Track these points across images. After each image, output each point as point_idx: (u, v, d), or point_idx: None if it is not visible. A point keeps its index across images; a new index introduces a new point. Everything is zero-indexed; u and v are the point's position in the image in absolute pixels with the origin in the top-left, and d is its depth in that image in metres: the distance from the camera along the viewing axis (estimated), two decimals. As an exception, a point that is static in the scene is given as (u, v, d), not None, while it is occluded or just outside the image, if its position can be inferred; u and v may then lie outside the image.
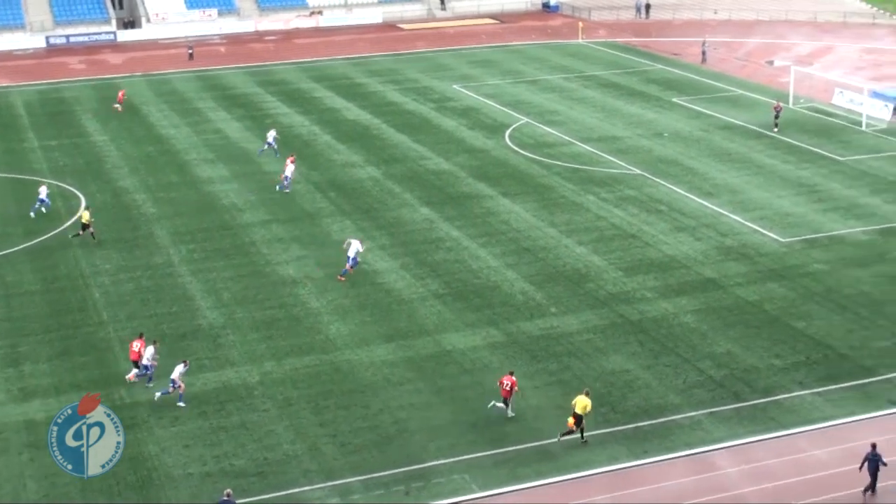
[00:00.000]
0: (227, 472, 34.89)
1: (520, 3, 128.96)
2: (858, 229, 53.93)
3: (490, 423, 37.02)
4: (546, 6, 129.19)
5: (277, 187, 61.24)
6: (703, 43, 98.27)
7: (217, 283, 48.92)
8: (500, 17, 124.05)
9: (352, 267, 48.63)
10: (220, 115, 79.62)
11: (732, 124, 74.29)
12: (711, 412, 37.54)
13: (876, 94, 77.63)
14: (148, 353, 39.60)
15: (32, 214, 57.22)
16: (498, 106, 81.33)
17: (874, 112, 74.50)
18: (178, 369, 38.62)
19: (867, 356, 40.96)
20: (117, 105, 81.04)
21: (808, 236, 53.14)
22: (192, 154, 69.68)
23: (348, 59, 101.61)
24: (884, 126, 72.77)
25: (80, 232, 53.83)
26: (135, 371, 39.91)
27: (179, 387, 38.30)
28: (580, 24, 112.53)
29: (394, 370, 40.91)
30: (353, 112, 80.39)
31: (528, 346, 42.50)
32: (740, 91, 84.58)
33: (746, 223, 55.03)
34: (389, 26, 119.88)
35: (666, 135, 71.93)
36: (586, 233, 54.15)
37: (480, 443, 36.16)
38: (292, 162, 62.39)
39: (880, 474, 32.93)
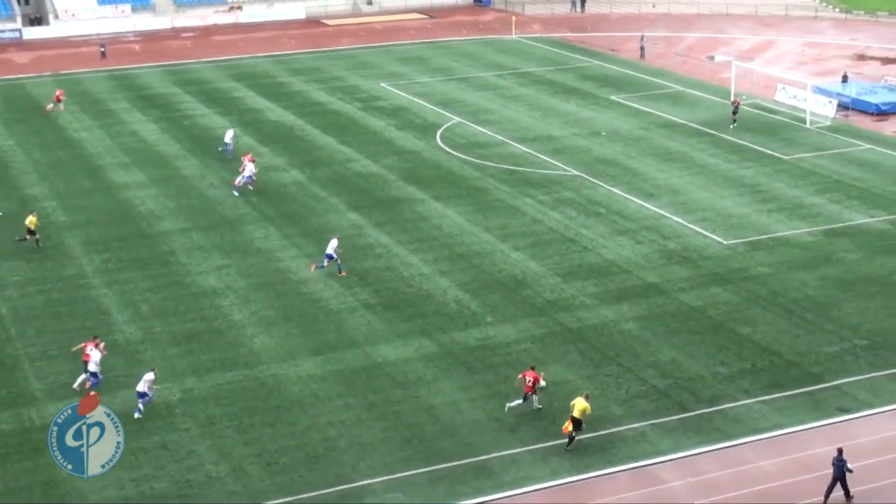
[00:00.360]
0: (146, 496, 34.47)
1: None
2: (803, 230, 54.72)
3: (424, 439, 36.97)
4: (477, 0, 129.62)
5: (235, 192, 60.89)
6: (642, 38, 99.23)
7: (134, 295, 48.37)
8: (430, 12, 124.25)
9: (325, 264, 49.62)
10: (135, 117, 78.80)
11: (673, 122, 75.06)
12: (655, 423, 37.82)
13: (819, 90, 78.87)
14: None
15: None
16: (428, 105, 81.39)
17: (818, 109, 75.65)
18: (148, 378, 38.26)
19: (814, 362, 41.55)
20: (53, 105, 79.75)
21: (751, 238, 53.81)
22: (106, 158, 68.87)
23: (270, 56, 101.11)
24: (828, 123, 73.94)
25: (27, 237, 53.17)
26: (83, 376, 39.69)
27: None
28: (513, 18, 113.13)
29: (322, 385, 40.72)
30: (275, 112, 79.98)
31: (463, 357, 42.52)
32: (680, 87, 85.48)
33: (689, 225, 55.60)
34: (313, 22, 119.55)
35: (604, 134, 72.48)
36: (522, 237, 54.35)
37: (415, 460, 36.09)
38: (251, 161, 62.33)
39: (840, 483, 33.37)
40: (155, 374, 39.16)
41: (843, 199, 59.10)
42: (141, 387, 38.50)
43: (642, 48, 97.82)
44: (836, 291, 47.57)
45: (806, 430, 37.41)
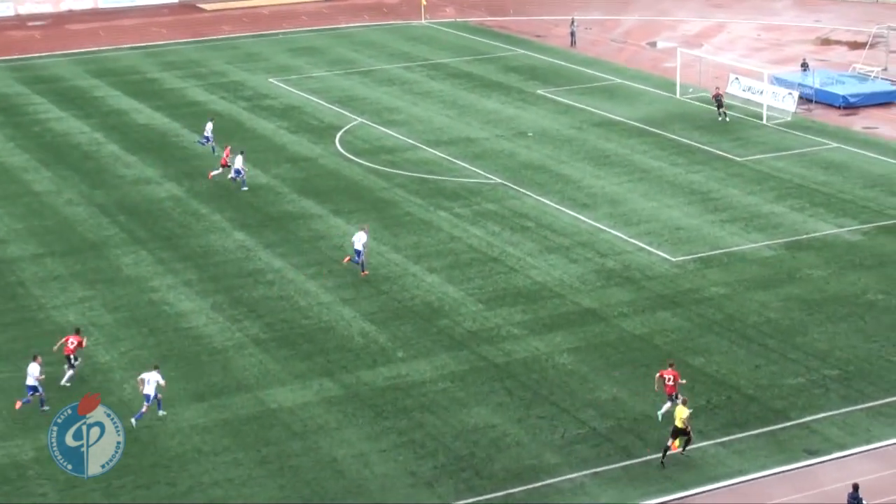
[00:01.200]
0: (-5, 577, 34.01)
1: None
2: (762, 243, 55.60)
3: (327, 499, 36.92)
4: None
5: (245, 187, 63.47)
6: (572, 22, 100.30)
7: (-24, 335, 47.79)
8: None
9: (359, 262, 52.22)
10: (-26, 123, 77.94)
11: (610, 120, 75.91)
12: (596, 472, 38.13)
13: (778, 81, 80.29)
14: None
15: None
16: (325, 104, 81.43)
17: (776, 102, 77.00)
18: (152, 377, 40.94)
19: (777, 396, 42.22)
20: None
21: (703, 254, 54.56)
22: (-60, 172, 68.03)
23: (137, 48, 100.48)
24: (788, 119, 75.29)
25: None
26: (68, 370, 43.40)
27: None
28: (423, 1, 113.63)
29: (206, 437, 40.49)
30: (145, 115, 79.47)
31: (371, 399, 42.54)
32: (618, 80, 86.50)
33: (630, 240, 56.22)
34: (188, 7, 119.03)
35: (531, 134, 73.09)
36: (438, 257, 54.57)
37: (316, 523, 36.05)
38: (240, 153, 64.75)
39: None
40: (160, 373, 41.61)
41: (807, 206, 60.19)
42: (149, 388, 40.94)
43: (573, 34, 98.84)
44: (802, 314, 48.40)
45: (769, 475, 37.88)
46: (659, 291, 50.64)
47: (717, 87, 76.70)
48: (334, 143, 72.38)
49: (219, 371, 44.73)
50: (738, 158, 67.76)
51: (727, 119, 74.24)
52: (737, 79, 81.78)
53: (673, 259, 53.97)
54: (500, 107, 79.84)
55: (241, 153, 64.79)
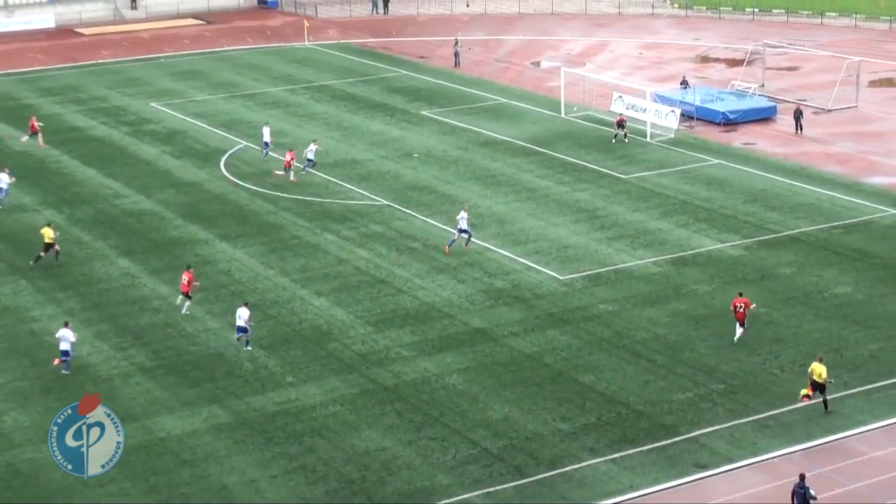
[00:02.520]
0: None
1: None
2: (649, 260, 56.20)
3: (218, 527, 36.57)
4: (262, 2, 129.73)
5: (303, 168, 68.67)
6: (455, 42, 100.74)
7: None
8: (207, 17, 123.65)
9: (456, 237, 56.64)
10: None
11: (495, 140, 76.30)
12: (489, 492, 38.16)
13: (660, 98, 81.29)
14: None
15: None
16: (209, 127, 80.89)
17: (659, 119, 77.95)
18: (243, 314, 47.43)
19: (666, 412, 42.64)
20: (28, 138, 76.12)
21: (590, 271, 55.00)
22: None
23: (12, 74, 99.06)
24: (671, 136, 76.26)
25: (42, 254, 56.23)
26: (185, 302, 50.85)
27: None
28: (305, 22, 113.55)
29: (92, 468, 39.82)
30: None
31: (260, 425, 42.22)
32: (503, 99, 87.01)
33: (518, 259, 56.50)
34: (65, 31, 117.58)
35: (416, 155, 73.23)
36: (326, 280, 54.40)
37: (207, 553, 35.68)
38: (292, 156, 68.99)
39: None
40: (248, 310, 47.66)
41: (691, 222, 60.99)
42: (240, 322, 47.29)
43: (457, 54, 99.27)
44: (688, 329, 48.98)
45: (661, 490, 38.26)
46: (548, 310, 50.92)
47: (621, 114, 77.39)
48: (219, 167, 71.88)
49: (104, 401, 43.95)
50: (623, 176, 68.46)
51: (626, 140, 74.85)
52: (620, 97, 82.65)
53: (561, 277, 54.33)
54: (385, 128, 79.90)
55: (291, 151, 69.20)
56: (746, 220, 61.16)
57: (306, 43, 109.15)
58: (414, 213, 62.87)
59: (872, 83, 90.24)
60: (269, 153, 72.56)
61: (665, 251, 57.19)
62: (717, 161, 71.25)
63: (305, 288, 53.65)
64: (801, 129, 77.26)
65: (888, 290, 52.30)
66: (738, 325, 47.43)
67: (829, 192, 65.24)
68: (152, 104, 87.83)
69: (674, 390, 44.04)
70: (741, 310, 47.09)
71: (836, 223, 60.33)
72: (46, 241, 56.28)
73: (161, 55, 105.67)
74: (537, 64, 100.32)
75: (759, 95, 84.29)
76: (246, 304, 48.20)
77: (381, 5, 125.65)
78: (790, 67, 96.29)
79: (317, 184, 68.15)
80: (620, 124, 75.39)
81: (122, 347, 48.10)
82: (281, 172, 68.70)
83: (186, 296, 50.97)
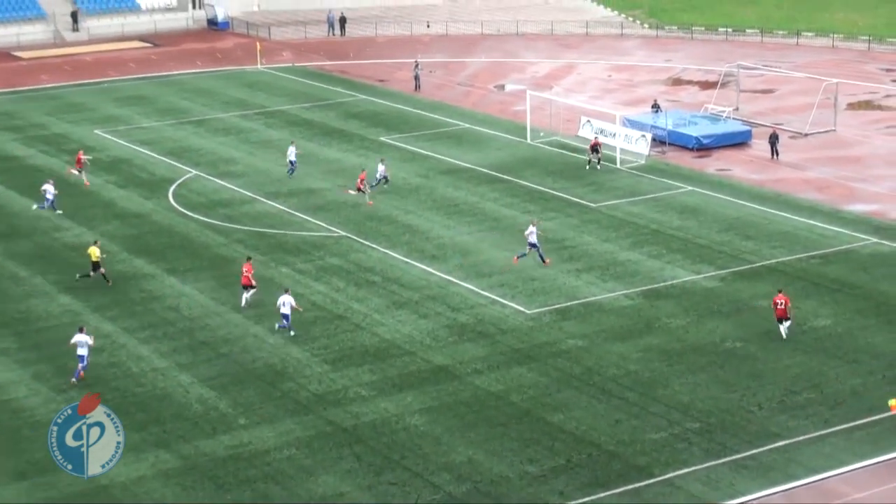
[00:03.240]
0: None
1: (178, 20, 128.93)
2: (620, 293, 56.24)
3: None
4: (213, 23, 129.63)
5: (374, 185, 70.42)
6: (416, 65, 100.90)
7: None
8: (153, 39, 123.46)
9: (528, 252, 59.35)
10: None
11: (458, 167, 76.36)
12: (453, 539, 38.04)
13: (630, 123, 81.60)
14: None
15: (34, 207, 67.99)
16: (157, 155, 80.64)
17: (629, 145, 78.20)
18: (288, 300, 51.59)
19: (639, 452, 42.58)
20: (76, 170, 74.99)
21: (559, 305, 54.99)
22: None
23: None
24: (641, 162, 76.50)
25: (91, 273, 57.55)
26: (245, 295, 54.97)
27: None
28: (258, 45, 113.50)
29: (31, 518, 39.55)
30: (-42, 171, 77.91)
31: (211, 471, 41.93)
32: (465, 124, 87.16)
33: (483, 292, 56.46)
34: (1, 54, 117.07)
35: (374, 184, 73.15)
36: (280, 317, 54.17)
37: None
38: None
39: None
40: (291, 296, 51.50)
41: (664, 252, 61.13)
42: (285, 309, 51.37)
43: (417, 78, 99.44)
44: (662, 365, 48.98)
45: (634, 535, 38.25)
46: (514, 346, 50.86)
47: (596, 137, 77.54)
48: (167, 197, 71.62)
49: (42, 446, 43.57)
50: (592, 204, 68.58)
51: (598, 167, 75.00)
52: (588, 121, 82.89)
53: (528, 311, 54.29)
54: (342, 155, 79.86)
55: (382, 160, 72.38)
56: (721, 249, 61.34)
57: (259, 66, 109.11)
58: (373, 245, 62.77)
59: (851, 106, 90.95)
60: (295, 172, 74.48)
61: (637, 283, 57.26)
62: (690, 188, 71.51)
63: (259, 325, 53.41)
64: (778, 154, 77.67)
65: (869, 323, 52.52)
66: (780, 322, 50.52)
67: (807, 220, 65.55)
68: (96, 131, 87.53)
69: (647, 430, 43.99)
70: (781, 306, 50.08)
71: (814, 252, 60.59)
72: (93, 259, 57.78)
73: (105, 80, 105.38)
74: (501, 87, 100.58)
75: (734, 119, 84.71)
76: (287, 291, 52.20)
77: (337, 27, 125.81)
78: (765, 90, 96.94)
79: (271, 214, 67.98)
80: (595, 149, 75.50)
81: (61, 389, 47.69)
82: (353, 192, 69.58)
83: (246, 287, 54.85)
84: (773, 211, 67.20)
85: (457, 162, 77.41)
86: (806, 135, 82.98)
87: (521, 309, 54.56)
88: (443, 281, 57.87)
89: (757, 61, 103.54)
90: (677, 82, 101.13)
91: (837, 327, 52.07)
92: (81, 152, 76.66)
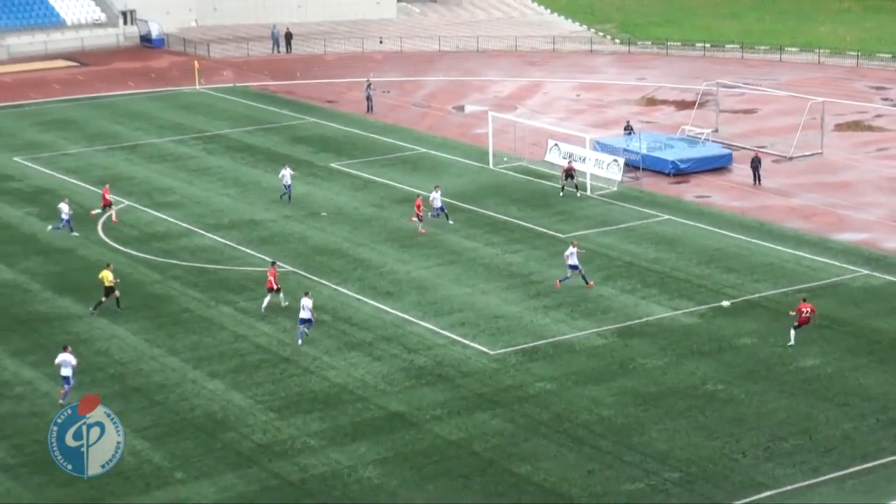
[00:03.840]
0: None
1: (108, 36, 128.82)
2: (591, 331, 56.28)
3: None
4: (146, 40, 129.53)
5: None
6: (368, 85, 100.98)
7: None
8: (81, 58, 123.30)
9: (570, 275, 60.75)
10: None
11: (414, 195, 76.20)
12: None
13: (601, 146, 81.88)
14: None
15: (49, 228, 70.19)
16: (84, 185, 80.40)
17: (600, 170, 78.40)
18: (307, 303, 54.99)
19: (614, 505, 42.63)
20: (100, 211, 73.32)
21: (525, 345, 54.98)
22: None
23: None
24: (614, 189, 76.72)
25: (103, 299, 58.85)
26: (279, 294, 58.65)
27: None
28: (196, 63, 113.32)
29: (-54, 585, 39.19)
30: None
31: (145, 531, 41.72)
32: (422, 149, 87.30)
33: (442, 332, 56.41)
34: None
35: (324, 214, 73.17)
36: (221, 360, 53.97)
37: None
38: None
39: None
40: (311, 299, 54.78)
41: (639, 287, 61.27)
42: (305, 314, 54.63)
43: (369, 98, 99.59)
44: (637, 410, 48.99)
45: None
46: (477, 390, 50.78)
47: (570, 162, 77.66)
48: (96, 230, 71.37)
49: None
50: (561, 235, 68.71)
51: (578, 194, 75.20)
52: (556, 145, 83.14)
53: (492, 352, 54.26)
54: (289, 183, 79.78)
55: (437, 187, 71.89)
56: (701, 283, 61.55)
57: (197, 87, 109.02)
58: (322, 281, 62.67)
59: (839, 126, 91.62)
60: (290, 196, 75.10)
61: (609, 320, 57.35)
62: (666, 217, 71.77)
63: (198, 369, 53.19)
64: (760, 179, 78.10)
65: (861, 362, 52.73)
66: (796, 329, 53.42)
67: (792, 251, 65.89)
68: (16, 159, 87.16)
69: (622, 480, 44.01)
70: (807, 314, 53.09)
71: (801, 286, 60.81)
72: (106, 284, 58.71)
73: (26, 102, 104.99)
74: (461, 108, 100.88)
75: (713, 142, 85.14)
76: (308, 294, 55.27)
77: (283, 43, 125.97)
78: (747, 110, 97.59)
79: (211, 248, 67.80)
80: (569, 174, 75.67)
81: (-17, 444, 47.44)
82: (415, 220, 69.78)
83: (274, 291, 58.55)
84: (756, 241, 67.51)
85: (413, 189, 77.41)
86: (791, 158, 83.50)
87: (484, 350, 54.52)
88: (398, 320, 57.80)
89: (737, 79, 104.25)
90: (652, 102, 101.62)
91: (827, 367, 52.24)
92: (107, 189, 74.41)
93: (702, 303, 59.04)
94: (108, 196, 73.48)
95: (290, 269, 64.32)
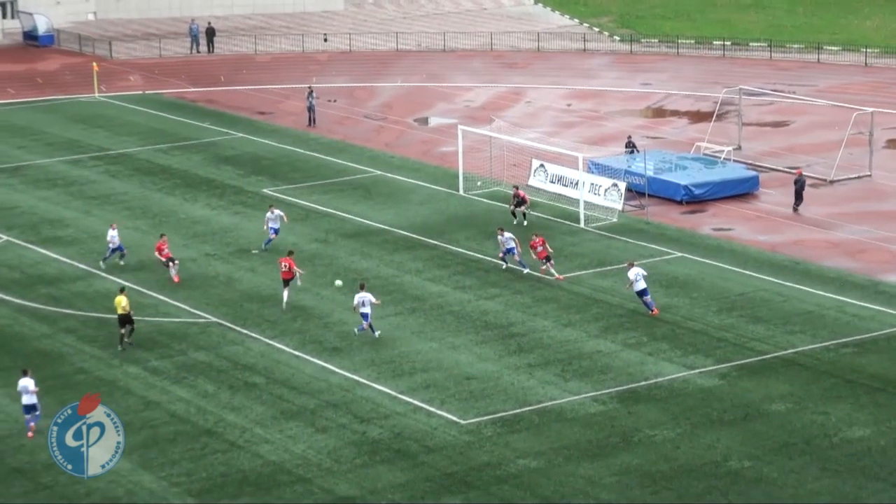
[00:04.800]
0: None
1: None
2: (587, 395, 56.22)
3: None
4: (31, 37, 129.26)
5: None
6: (310, 93, 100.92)
7: None
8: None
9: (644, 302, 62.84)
10: None
11: (367, 228, 76.37)
12: None
13: (597, 167, 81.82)
14: None
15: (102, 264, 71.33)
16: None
17: (597, 197, 78.30)
18: (366, 297, 60.51)
19: None
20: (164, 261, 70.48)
21: (504, 412, 54.88)
22: None
23: None
24: (613, 220, 76.69)
25: (122, 332, 61.22)
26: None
27: None
28: (95, 66, 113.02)
29: None
30: None
31: None
32: (376, 171, 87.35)
33: (401, 396, 56.31)
34: None
35: (255, 252, 73.11)
36: (128, 433, 53.25)
37: None
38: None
39: None
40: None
41: (645, 340, 61.27)
42: (365, 308, 60.71)
43: (311, 109, 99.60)
44: (644, 492, 48.89)
45: None
46: (444, 468, 50.65)
47: (517, 187, 77.43)
48: (-33, 272, 71.29)
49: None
50: (548, 277, 68.68)
51: (525, 223, 75.50)
52: (542, 166, 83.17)
53: (463, 422, 54.16)
54: (212, 213, 79.69)
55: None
56: (721, 336, 61.59)
57: (97, 95, 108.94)
58: (253, 335, 62.54)
59: (891, 143, 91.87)
60: (271, 242, 74.01)
61: (609, 382, 57.31)
62: (678, 254, 71.90)
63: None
64: (800, 204, 77.77)
65: (922, 433, 52.79)
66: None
67: (835, 296, 66.01)
68: None
69: (625, 580, 44.01)
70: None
71: (845, 339, 60.92)
72: (120, 312, 61.19)
73: None
74: (424, 121, 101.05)
75: (735, 162, 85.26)
76: (363, 287, 62.00)
77: (203, 41, 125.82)
78: (776, 122, 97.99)
79: (113, 294, 67.35)
80: (521, 201, 75.76)
81: None
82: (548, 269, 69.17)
83: (287, 282, 65.10)
84: (790, 284, 67.64)
85: (365, 221, 77.42)
86: (832, 182, 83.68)
87: (454, 419, 54.42)
88: (348, 382, 57.68)
89: (764, 84, 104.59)
90: (659, 113, 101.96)
91: (879, 439, 52.25)
92: (164, 243, 70.40)
93: (723, 360, 59.00)
94: (165, 248, 70.23)
95: (214, 318, 64.17)
